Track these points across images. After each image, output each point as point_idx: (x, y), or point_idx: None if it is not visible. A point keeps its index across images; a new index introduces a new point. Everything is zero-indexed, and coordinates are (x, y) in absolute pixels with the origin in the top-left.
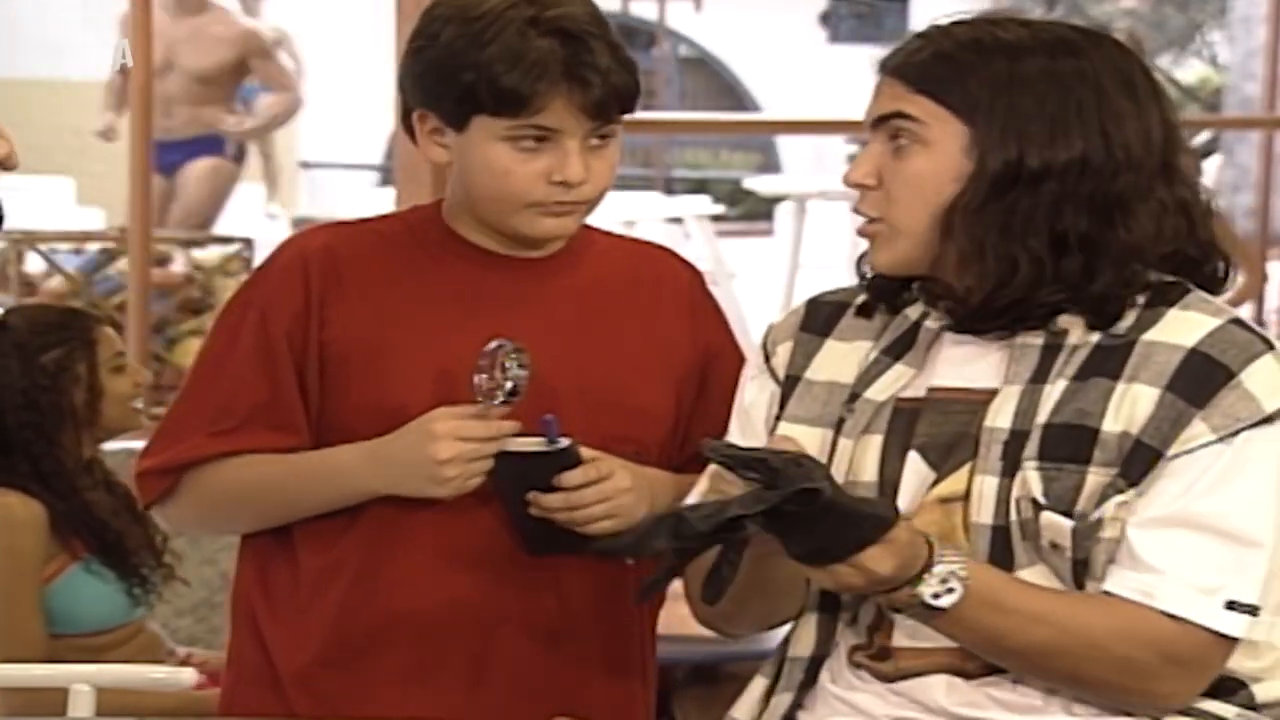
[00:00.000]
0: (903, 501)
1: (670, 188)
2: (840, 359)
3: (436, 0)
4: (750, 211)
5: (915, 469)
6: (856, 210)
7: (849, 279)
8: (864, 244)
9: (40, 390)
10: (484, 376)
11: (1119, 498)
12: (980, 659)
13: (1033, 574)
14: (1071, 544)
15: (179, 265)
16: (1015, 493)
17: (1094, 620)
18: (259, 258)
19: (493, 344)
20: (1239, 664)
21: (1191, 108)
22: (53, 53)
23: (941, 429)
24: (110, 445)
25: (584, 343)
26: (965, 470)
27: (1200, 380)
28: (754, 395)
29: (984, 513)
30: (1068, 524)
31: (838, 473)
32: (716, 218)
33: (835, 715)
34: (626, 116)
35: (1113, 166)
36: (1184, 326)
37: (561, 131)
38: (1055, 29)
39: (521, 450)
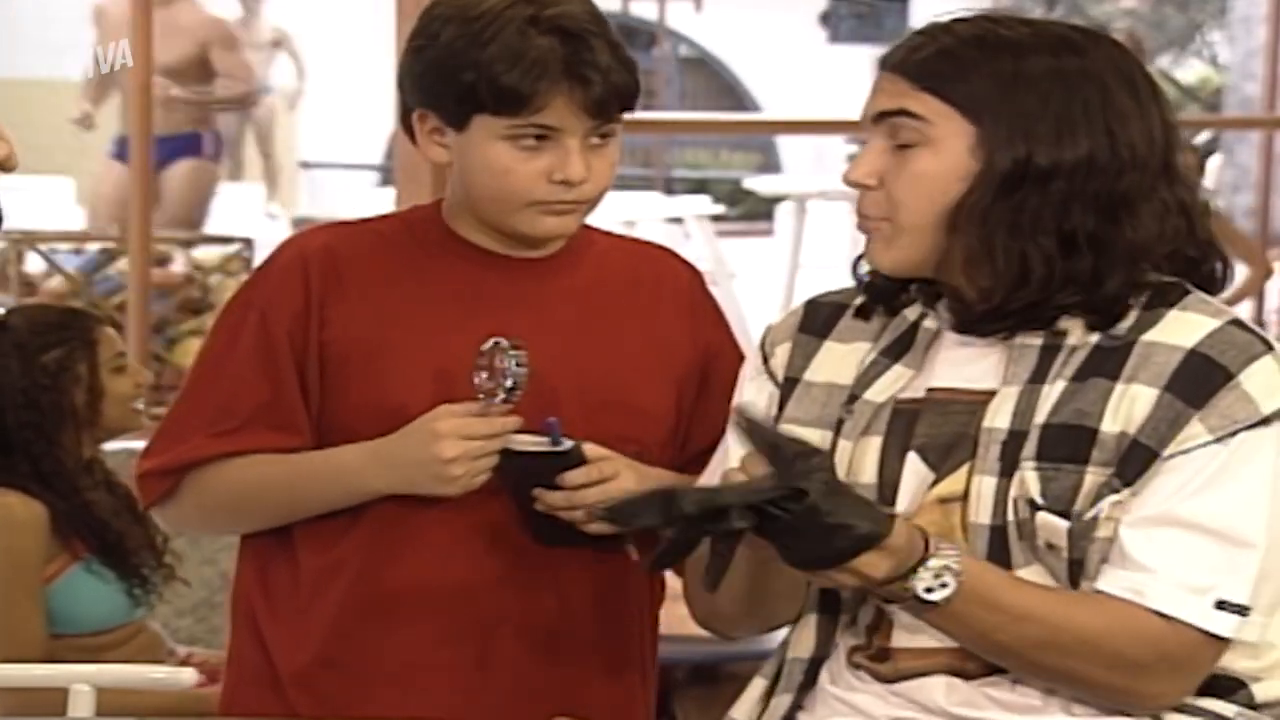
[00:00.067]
0: (902, 502)
1: (670, 188)
2: (839, 360)
3: (436, 0)
4: (750, 211)
5: (914, 470)
6: (858, 210)
7: (849, 279)
8: (862, 246)
9: (41, 390)
10: (484, 375)
11: (1113, 497)
12: (979, 660)
13: (1029, 574)
14: (1068, 544)
15: (179, 265)
16: (1013, 493)
17: (1085, 618)
18: (259, 258)
19: (489, 343)
20: (1238, 663)
21: (1191, 108)
22: (53, 53)
23: (941, 430)
24: (110, 445)
25: (584, 343)
26: (964, 470)
27: (1199, 381)
28: (752, 396)
29: (982, 513)
30: (1064, 525)
31: (838, 474)
32: (716, 218)
33: (835, 716)
34: (626, 116)
35: (1118, 165)
36: (1184, 327)
37: (562, 130)
38: (1056, 28)
39: (524, 449)
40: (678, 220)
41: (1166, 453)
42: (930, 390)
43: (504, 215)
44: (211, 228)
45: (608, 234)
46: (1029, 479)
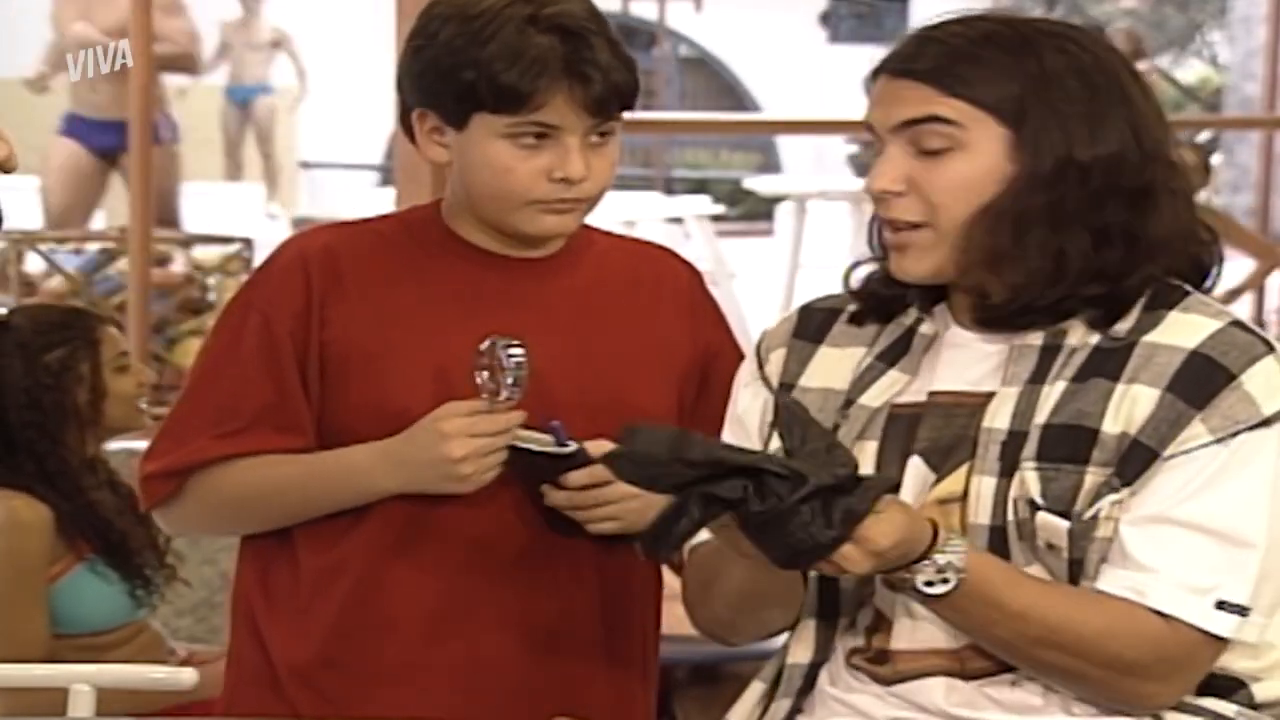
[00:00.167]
0: None
1: (670, 188)
2: (834, 365)
3: (435, 0)
4: (750, 211)
5: (917, 473)
6: (886, 219)
7: (842, 286)
8: (862, 248)
9: (43, 390)
10: (485, 374)
11: (1113, 497)
12: (979, 661)
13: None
14: (1068, 544)
15: (179, 265)
16: (1013, 493)
17: (1085, 617)
18: (259, 258)
19: (486, 342)
20: (1238, 663)
21: (1191, 108)
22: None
23: (943, 433)
24: (111, 445)
25: (584, 343)
26: (963, 471)
27: (1201, 382)
28: (747, 403)
29: (981, 513)
30: (1064, 525)
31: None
32: (716, 218)
33: (834, 717)
34: (626, 116)
35: (1142, 158)
36: (1185, 328)
37: (562, 128)
38: (1056, 25)
39: (530, 447)
40: (678, 220)
41: (1167, 453)
42: (932, 394)
43: (504, 214)
44: (211, 228)
45: (607, 234)
46: (1029, 479)
